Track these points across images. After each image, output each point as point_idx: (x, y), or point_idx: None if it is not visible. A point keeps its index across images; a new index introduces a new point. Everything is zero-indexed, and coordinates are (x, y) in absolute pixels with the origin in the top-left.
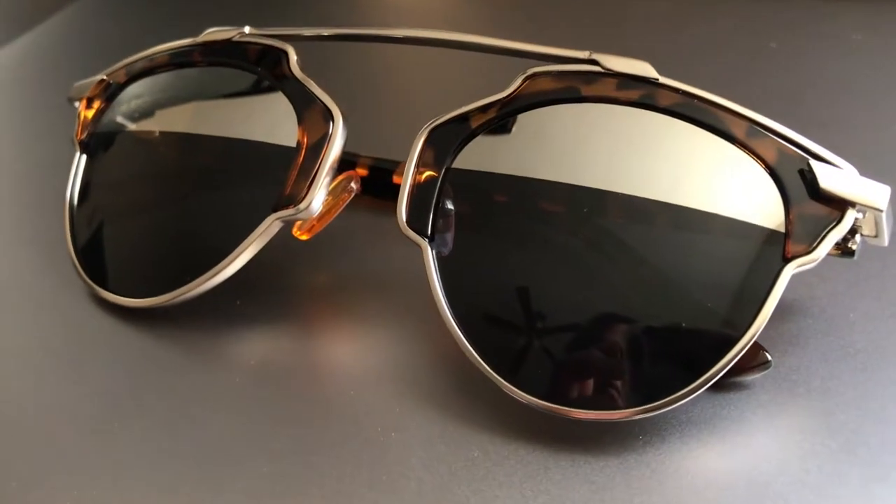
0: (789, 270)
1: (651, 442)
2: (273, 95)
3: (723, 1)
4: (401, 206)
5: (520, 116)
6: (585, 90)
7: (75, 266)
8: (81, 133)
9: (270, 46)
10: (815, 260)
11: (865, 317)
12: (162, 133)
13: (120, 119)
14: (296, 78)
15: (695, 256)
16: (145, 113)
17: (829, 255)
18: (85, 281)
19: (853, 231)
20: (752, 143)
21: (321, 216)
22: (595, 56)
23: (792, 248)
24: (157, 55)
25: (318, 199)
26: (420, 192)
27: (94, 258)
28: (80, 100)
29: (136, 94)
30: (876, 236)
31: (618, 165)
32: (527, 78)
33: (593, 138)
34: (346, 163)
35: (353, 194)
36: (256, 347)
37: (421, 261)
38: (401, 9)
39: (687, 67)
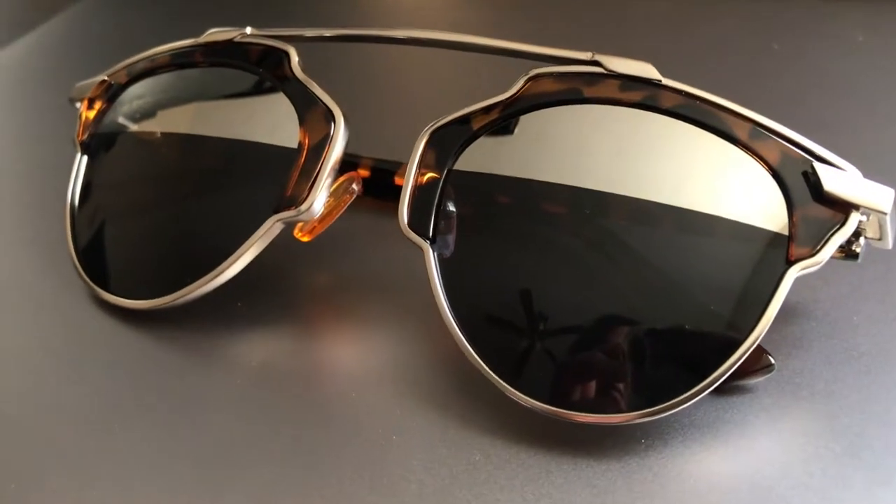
0: (793, 273)
1: (653, 446)
2: (274, 96)
3: (724, 1)
4: (402, 207)
5: (522, 118)
6: (588, 91)
7: (76, 267)
8: (82, 134)
9: (272, 47)
10: (819, 263)
11: (869, 320)
12: (163, 134)
13: (121, 120)
14: (297, 79)
15: (697, 259)
16: (146, 114)
17: (832, 257)
18: (86, 282)
19: (857, 234)
20: (755, 145)
21: (322, 217)
22: (597, 57)
23: (795, 250)
24: (159, 56)
25: (319, 200)
26: (422, 194)
27: (94, 259)
28: (81, 100)
29: (137, 94)
30: (880, 239)
31: (620, 167)
32: (529, 79)
33: (595, 140)
34: (347, 164)
35: (354, 196)
36: (257, 349)
37: (422, 262)
38: (402, 10)
39: (689, 68)
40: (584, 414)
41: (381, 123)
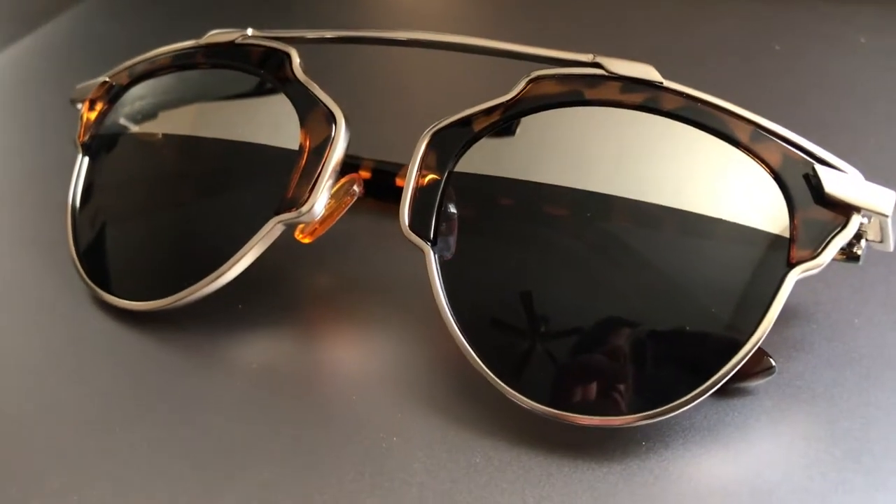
0: (794, 276)
1: (654, 448)
2: (275, 98)
3: (724, 1)
4: (403, 209)
5: (523, 120)
6: (589, 93)
7: (77, 268)
8: (84, 135)
9: (273, 49)
10: (820, 265)
11: (870, 322)
12: (164, 135)
13: (122, 121)
14: (298, 80)
15: (698, 261)
16: (148, 115)
17: (833, 260)
18: (86, 283)
19: (858, 236)
20: (757, 147)
21: (323, 219)
22: (599, 59)
23: (796, 253)
24: (160, 57)
25: (320, 202)
26: (423, 196)
27: (95, 260)
28: (82, 102)
29: (138, 96)
30: (881, 241)
31: (621, 169)
32: (530, 81)
33: (597, 142)
34: (348, 166)
35: (355, 197)
36: (258, 351)
37: (423, 264)
38: (403, 11)
39: (689, 70)
40: (585, 416)
41: (383, 125)
